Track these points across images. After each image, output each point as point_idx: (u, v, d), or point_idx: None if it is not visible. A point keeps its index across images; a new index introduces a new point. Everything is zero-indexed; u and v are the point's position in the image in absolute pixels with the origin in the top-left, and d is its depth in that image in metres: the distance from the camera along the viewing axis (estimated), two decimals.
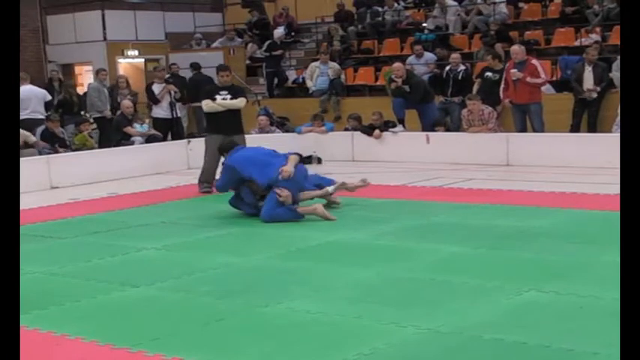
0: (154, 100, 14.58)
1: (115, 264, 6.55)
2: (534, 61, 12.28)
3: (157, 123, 14.34)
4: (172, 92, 14.67)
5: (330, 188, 8.57)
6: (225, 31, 20.94)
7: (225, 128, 9.89)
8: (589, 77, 12.65)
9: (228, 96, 10.02)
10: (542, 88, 12.60)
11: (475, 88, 13.13)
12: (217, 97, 10.01)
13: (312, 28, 20.23)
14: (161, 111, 14.61)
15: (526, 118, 12.32)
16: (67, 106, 14.52)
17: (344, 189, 8.73)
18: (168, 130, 14.43)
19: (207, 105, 10.09)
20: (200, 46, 20.04)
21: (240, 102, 10.13)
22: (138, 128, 13.54)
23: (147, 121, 14.31)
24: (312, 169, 12.30)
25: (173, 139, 14.05)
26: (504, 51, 14.93)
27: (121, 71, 19.44)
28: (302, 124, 14.28)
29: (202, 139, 14.15)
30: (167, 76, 16.25)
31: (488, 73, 13.06)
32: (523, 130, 12.33)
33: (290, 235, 7.37)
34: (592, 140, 11.62)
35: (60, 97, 15.03)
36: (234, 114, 10.12)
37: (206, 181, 10.15)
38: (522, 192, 9.24)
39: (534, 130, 12.21)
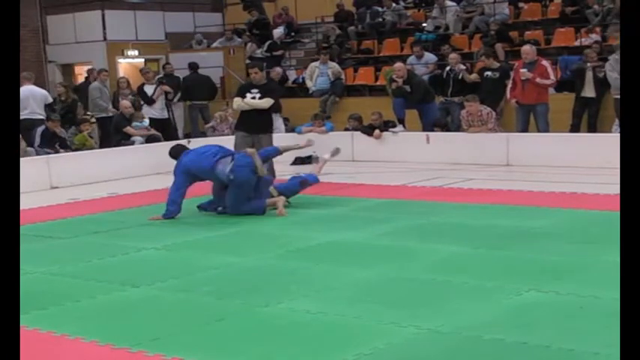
0: (147, 100, 14.58)
1: (115, 264, 6.55)
2: (544, 62, 12.26)
3: (150, 123, 14.29)
4: (166, 93, 14.69)
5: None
6: (225, 31, 20.95)
7: (251, 127, 10.08)
8: (590, 77, 12.66)
9: (258, 94, 10.03)
10: None
11: (474, 76, 13.09)
12: (248, 94, 10.06)
13: (312, 28, 20.23)
14: (154, 111, 14.60)
15: (530, 118, 12.31)
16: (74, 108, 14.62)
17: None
18: (161, 130, 14.39)
19: (235, 103, 10.26)
20: (201, 45, 20.05)
21: (264, 102, 10.08)
22: (137, 125, 13.53)
23: (146, 117, 14.29)
24: (311, 170, 12.34)
25: (166, 139, 14.00)
26: (504, 51, 14.96)
27: (121, 71, 19.44)
28: (302, 124, 14.28)
29: (202, 139, 14.26)
30: (160, 76, 16.26)
31: (488, 72, 13.07)
32: (525, 130, 12.33)
33: (290, 235, 7.37)
34: (592, 140, 11.62)
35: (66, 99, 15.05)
36: (260, 113, 10.11)
37: None
38: (522, 192, 9.24)
39: (539, 131, 12.21)
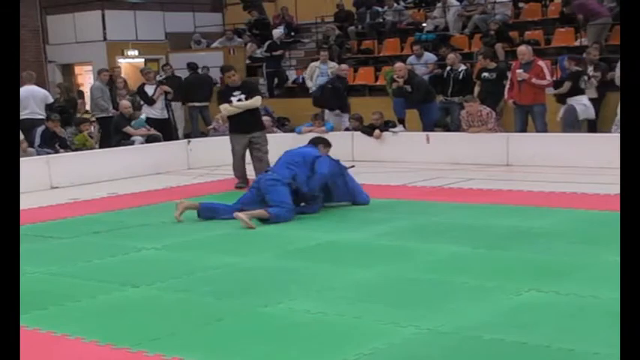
0: (147, 101, 14.58)
1: (115, 264, 6.55)
2: (541, 63, 12.23)
3: (150, 124, 14.29)
4: (166, 93, 14.70)
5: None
6: (225, 31, 20.96)
7: (246, 127, 10.33)
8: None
9: (242, 95, 10.30)
10: None
11: (476, 90, 13.10)
12: (232, 98, 10.27)
13: (312, 28, 20.23)
14: (153, 112, 14.60)
15: (528, 118, 12.31)
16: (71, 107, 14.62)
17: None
18: (162, 130, 14.38)
19: (225, 109, 10.41)
20: (199, 45, 20.03)
21: (256, 101, 10.42)
22: (137, 123, 13.53)
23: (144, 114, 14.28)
24: None
25: (165, 139, 13.99)
26: (504, 51, 14.96)
27: (122, 71, 19.43)
28: (302, 124, 14.28)
29: (202, 140, 14.27)
30: (161, 77, 16.25)
31: (485, 74, 13.07)
32: (523, 130, 12.32)
33: (290, 235, 7.37)
34: (592, 140, 11.61)
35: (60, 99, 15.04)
36: (252, 112, 10.44)
37: (238, 177, 10.54)
38: (522, 192, 9.24)
39: (537, 131, 12.19)
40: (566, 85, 12.26)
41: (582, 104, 12.06)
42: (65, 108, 14.65)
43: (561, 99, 12.28)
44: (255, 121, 10.51)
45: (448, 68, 13.77)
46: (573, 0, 14.79)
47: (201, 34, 20.40)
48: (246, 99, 10.27)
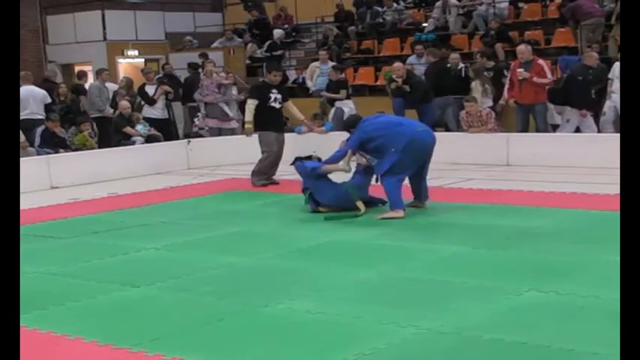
0: (149, 101, 14.56)
1: (115, 264, 6.55)
2: (541, 61, 12.22)
3: (152, 124, 14.27)
4: (166, 93, 14.69)
5: None
6: (225, 31, 20.97)
7: (279, 126, 10.94)
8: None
9: (279, 95, 10.68)
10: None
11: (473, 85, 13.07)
12: (271, 95, 10.58)
13: (312, 28, 20.23)
14: (155, 112, 14.59)
15: (529, 118, 12.30)
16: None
17: None
18: (162, 130, 14.36)
19: (251, 104, 10.60)
20: (192, 46, 20.00)
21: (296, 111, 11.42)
22: (140, 128, 13.51)
23: (141, 119, 14.26)
24: None
25: (166, 139, 13.98)
26: (504, 51, 14.96)
27: (121, 71, 19.46)
28: (302, 124, 14.25)
29: (201, 140, 14.26)
30: (159, 75, 16.24)
31: (486, 74, 13.07)
32: (524, 130, 12.32)
33: (290, 235, 7.37)
34: (592, 140, 11.61)
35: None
36: (282, 114, 11.02)
37: (264, 173, 10.62)
38: (522, 192, 9.24)
39: (538, 130, 12.19)
40: (343, 92, 14.22)
41: (349, 107, 14.07)
42: (71, 108, 14.66)
43: (331, 103, 14.29)
44: (282, 121, 11.21)
45: (448, 66, 13.73)
46: (569, 2, 14.83)
47: (191, 36, 20.37)
48: (283, 99, 10.70)
